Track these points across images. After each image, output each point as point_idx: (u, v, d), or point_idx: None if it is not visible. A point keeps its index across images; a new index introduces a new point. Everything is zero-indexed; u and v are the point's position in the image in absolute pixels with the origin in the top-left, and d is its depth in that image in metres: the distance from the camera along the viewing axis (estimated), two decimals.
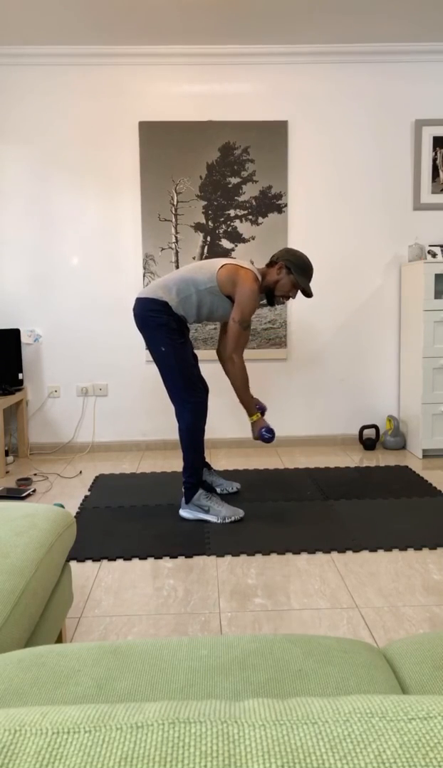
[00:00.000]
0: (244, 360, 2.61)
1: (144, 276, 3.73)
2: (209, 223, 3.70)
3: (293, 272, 2.54)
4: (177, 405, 2.54)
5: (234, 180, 3.68)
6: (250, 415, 2.61)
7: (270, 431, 2.56)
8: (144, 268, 3.72)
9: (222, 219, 3.70)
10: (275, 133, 3.66)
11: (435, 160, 3.72)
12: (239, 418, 3.87)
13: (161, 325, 2.50)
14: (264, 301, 2.72)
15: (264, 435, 2.56)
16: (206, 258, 3.72)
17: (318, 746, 0.44)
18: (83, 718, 0.47)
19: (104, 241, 3.72)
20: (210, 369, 3.82)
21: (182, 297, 2.51)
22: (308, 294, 2.58)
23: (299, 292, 3.76)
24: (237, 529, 2.45)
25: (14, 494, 2.89)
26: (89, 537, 2.40)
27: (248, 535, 2.38)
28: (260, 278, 2.55)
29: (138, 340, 3.80)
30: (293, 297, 2.63)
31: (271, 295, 2.61)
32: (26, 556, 1.26)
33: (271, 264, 2.61)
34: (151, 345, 2.54)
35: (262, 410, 2.74)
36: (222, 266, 2.52)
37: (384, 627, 1.73)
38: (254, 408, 2.61)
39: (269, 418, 3.89)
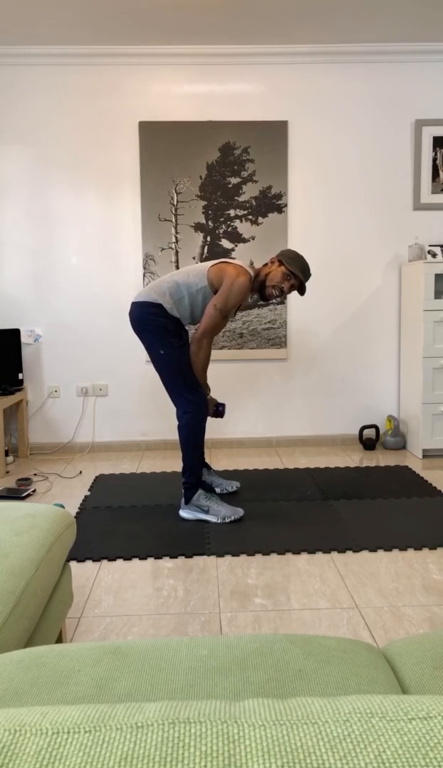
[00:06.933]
0: (211, 348, 2.67)
1: (144, 276, 3.73)
2: (209, 223, 3.70)
3: (285, 263, 2.53)
4: (177, 405, 2.54)
5: (234, 180, 3.68)
6: (208, 391, 2.82)
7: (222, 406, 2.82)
8: (144, 268, 3.72)
9: (222, 219, 3.70)
10: (275, 133, 3.66)
11: (435, 160, 3.72)
12: (240, 418, 3.87)
13: (159, 328, 2.50)
14: (257, 297, 2.70)
15: (219, 410, 2.80)
16: (206, 258, 3.72)
17: (318, 746, 0.44)
18: (83, 718, 0.47)
19: (104, 241, 3.72)
20: (212, 369, 3.82)
21: (175, 299, 2.52)
22: (302, 287, 2.57)
23: (294, 292, 3.77)
24: (237, 529, 2.45)
25: (14, 494, 2.89)
26: (89, 537, 2.40)
27: (248, 535, 2.38)
28: (252, 274, 2.54)
29: (138, 340, 3.80)
30: (286, 291, 2.56)
31: (263, 288, 2.59)
32: (26, 556, 1.26)
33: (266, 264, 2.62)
34: (149, 348, 2.54)
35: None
36: (213, 265, 2.53)
37: (384, 627, 1.73)
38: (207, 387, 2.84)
39: (269, 418, 3.89)
